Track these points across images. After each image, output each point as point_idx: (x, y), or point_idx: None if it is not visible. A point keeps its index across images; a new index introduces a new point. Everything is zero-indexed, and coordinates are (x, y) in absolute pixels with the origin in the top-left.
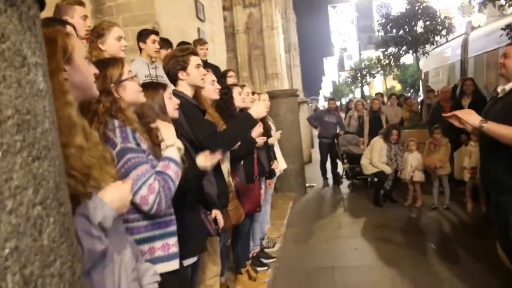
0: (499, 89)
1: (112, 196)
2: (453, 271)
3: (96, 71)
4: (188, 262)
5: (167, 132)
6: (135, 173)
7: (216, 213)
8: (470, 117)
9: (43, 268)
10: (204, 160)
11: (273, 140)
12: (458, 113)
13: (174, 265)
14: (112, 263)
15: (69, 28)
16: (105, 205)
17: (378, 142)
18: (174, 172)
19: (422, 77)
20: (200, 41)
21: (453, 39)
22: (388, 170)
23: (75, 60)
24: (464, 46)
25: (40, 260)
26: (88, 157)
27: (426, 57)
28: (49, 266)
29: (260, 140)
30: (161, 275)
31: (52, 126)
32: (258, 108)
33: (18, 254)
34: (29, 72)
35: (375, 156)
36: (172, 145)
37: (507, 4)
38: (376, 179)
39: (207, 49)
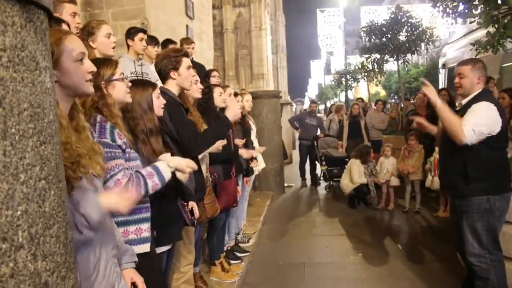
0: (457, 103)
1: (110, 204)
2: (415, 271)
3: (94, 69)
4: (162, 249)
5: (177, 161)
6: (106, 166)
7: (192, 204)
8: (433, 94)
9: (45, 229)
10: (181, 174)
11: (256, 152)
12: (426, 89)
13: (145, 248)
14: (94, 239)
15: (64, 26)
16: (102, 213)
17: (355, 163)
18: (153, 183)
19: (443, 73)
20: (187, 40)
21: (437, 47)
22: (365, 181)
23: (63, 64)
24: None
25: (43, 223)
26: (75, 148)
27: (406, 66)
28: (49, 228)
29: (246, 155)
30: None
31: (55, 118)
32: (234, 111)
33: (27, 216)
34: (40, 74)
35: (355, 176)
36: (168, 163)
37: (475, 21)
38: (355, 192)
39: (193, 48)
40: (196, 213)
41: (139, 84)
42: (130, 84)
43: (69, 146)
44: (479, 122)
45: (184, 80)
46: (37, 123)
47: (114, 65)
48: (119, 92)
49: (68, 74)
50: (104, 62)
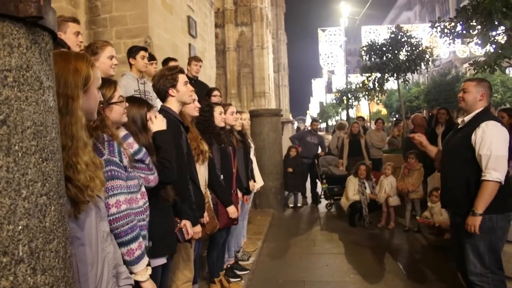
0: (459, 120)
1: None
2: None
3: (102, 99)
4: (157, 262)
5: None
6: (111, 183)
7: (185, 222)
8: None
9: (45, 243)
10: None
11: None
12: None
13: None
14: (97, 258)
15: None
16: None
17: (351, 180)
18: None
19: None
20: (196, 58)
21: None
22: (357, 198)
23: (91, 90)
24: None
25: (43, 238)
26: (90, 172)
27: (407, 84)
28: (49, 243)
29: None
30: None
31: (57, 136)
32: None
33: (27, 231)
34: (43, 93)
35: (350, 193)
36: None
37: (473, 41)
38: (350, 209)
39: (200, 66)
40: (188, 232)
41: (135, 101)
42: (127, 104)
43: (86, 168)
44: (497, 153)
45: (183, 95)
46: (39, 140)
47: (113, 88)
48: (116, 114)
49: (91, 99)
50: (104, 84)
